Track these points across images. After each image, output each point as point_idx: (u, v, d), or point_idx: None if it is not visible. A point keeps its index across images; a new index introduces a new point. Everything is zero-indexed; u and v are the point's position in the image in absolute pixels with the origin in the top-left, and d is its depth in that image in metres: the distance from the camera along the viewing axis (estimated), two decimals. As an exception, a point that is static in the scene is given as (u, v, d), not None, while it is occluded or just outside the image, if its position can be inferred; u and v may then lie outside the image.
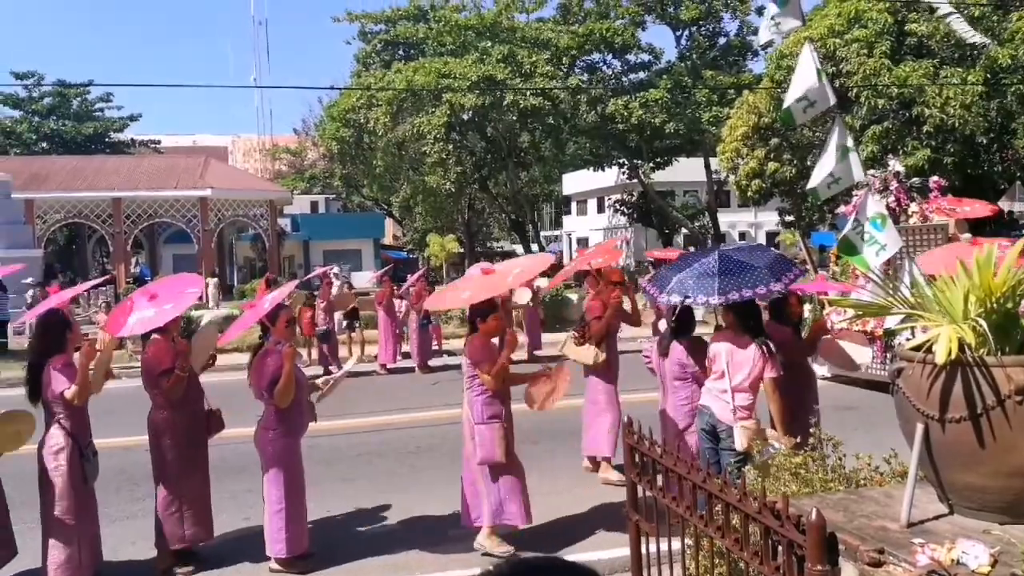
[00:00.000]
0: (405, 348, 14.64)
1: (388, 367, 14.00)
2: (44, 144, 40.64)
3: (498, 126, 30.89)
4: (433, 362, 14.29)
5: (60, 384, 4.76)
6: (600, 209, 48.30)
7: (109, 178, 30.31)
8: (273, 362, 5.06)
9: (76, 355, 4.84)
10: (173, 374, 5.13)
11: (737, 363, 4.94)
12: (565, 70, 29.81)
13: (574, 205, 52.69)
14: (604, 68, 32.06)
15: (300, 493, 5.26)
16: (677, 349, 5.72)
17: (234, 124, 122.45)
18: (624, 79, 31.72)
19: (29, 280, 17.47)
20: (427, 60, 29.51)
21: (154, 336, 5.24)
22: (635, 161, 32.80)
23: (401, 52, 33.72)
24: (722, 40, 32.23)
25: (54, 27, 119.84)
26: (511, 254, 45.68)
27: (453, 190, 31.56)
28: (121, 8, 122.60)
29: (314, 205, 48.47)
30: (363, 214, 47.84)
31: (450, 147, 29.35)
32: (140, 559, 5.48)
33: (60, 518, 4.82)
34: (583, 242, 49.92)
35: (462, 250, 39.30)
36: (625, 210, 39.62)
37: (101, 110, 43.32)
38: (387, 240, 48.90)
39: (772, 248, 6.40)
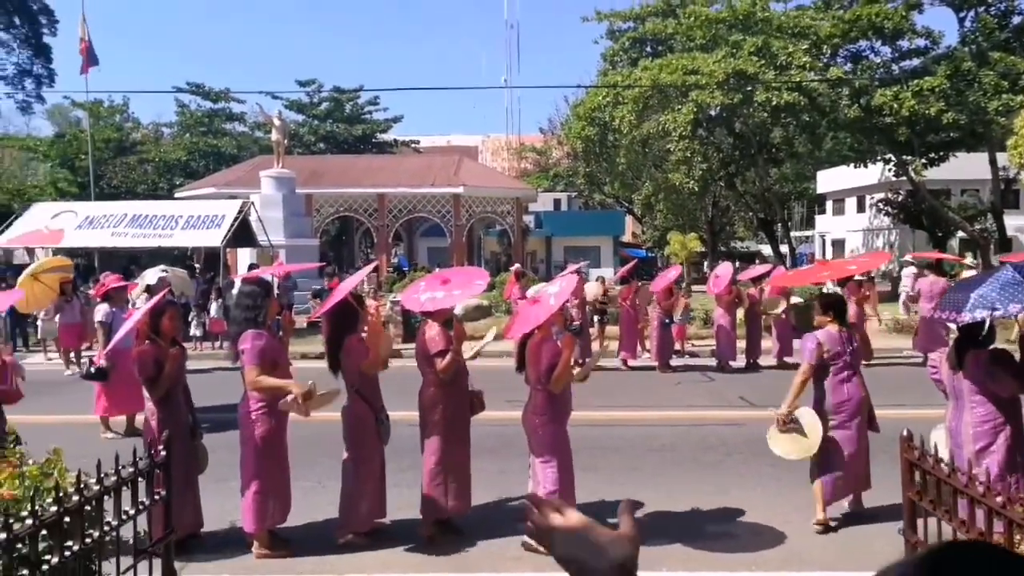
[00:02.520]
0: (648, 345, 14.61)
1: (630, 364, 13.99)
2: (321, 145, 44.90)
3: (748, 122, 29.73)
4: (674, 362, 14.09)
5: (357, 357, 5.38)
6: (860, 208, 44.83)
7: (375, 176, 32.89)
8: (549, 349, 5.30)
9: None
10: (449, 355, 5.46)
11: None
12: (826, 60, 27.99)
13: (829, 204, 49.44)
14: (871, 56, 29.69)
15: (571, 474, 5.46)
16: (975, 361, 5.04)
17: (484, 124, 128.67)
18: (894, 67, 29.20)
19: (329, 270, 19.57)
20: (674, 56, 29.01)
21: (428, 320, 5.64)
22: (904, 157, 30.08)
23: (649, 49, 33.46)
24: (1016, 19, 28.59)
25: (332, 39, 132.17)
26: (756, 254, 43.94)
27: (697, 189, 30.84)
28: (388, 18, 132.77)
29: (557, 202, 49.57)
30: (604, 211, 48.21)
31: (695, 144, 28.69)
32: (406, 520, 5.89)
33: (360, 475, 5.48)
34: (838, 244, 46.78)
35: (703, 249, 38.37)
36: (890, 210, 36.39)
37: (369, 113, 47.06)
38: (626, 238, 48.88)
39: None
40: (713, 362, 13.97)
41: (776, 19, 28.50)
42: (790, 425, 5.80)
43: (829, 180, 44.02)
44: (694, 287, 24.88)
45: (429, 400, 5.63)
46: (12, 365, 6.00)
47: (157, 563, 3.03)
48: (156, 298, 5.80)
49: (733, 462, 7.77)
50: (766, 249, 42.94)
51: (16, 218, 20.16)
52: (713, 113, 28.64)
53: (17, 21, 35.37)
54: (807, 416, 5.79)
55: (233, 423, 6.65)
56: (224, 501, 5.98)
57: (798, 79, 25.94)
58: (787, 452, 5.83)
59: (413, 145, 48.92)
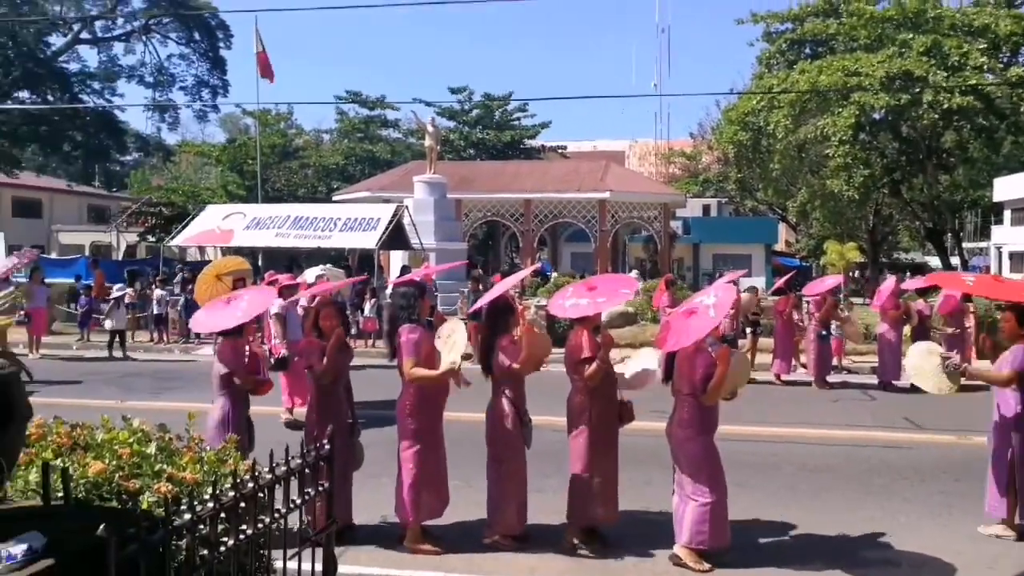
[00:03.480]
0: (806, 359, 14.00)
1: (783, 378, 13.44)
2: (471, 151, 45.91)
3: (916, 125, 27.98)
4: (832, 378, 13.39)
5: (508, 359, 5.42)
6: (1044, 219, 41.00)
7: (522, 181, 33.23)
8: (704, 360, 5.16)
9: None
10: (595, 363, 5.41)
11: None
12: (1005, 60, 25.97)
13: (1007, 214, 45.37)
14: (1058, 53, 27.29)
15: (724, 488, 5.30)
16: None
17: (632, 129, 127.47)
18: (1086, 66, 26.68)
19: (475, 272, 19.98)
20: (835, 58, 27.73)
21: (577, 326, 5.62)
22: (1096, 163, 27.46)
23: (808, 50, 32.17)
24: None
25: (483, 45, 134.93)
26: (923, 267, 41.27)
27: (857, 196, 29.32)
28: (538, 24, 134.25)
29: (706, 208, 48.42)
30: (755, 218, 46.62)
31: (857, 150, 27.28)
32: (551, 525, 5.88)
33: (503, 475, 5.55)
34: (1017, 257, 43.07)
35: (863, 259, 36.45)
36: (1077, 221, 33.17)
37: (518, 119, 47.68)
38: (779, 246, 47.10)
39: None
40: (874, 380, 13.21)
41: (949, 17, 26.74)
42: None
43: (1008, 187, 40.48)
44: (852, 299, 23.62)
45: (577, 407, 5.60)
46: (262, 357, 6.41)
47: (319, 552, 3.15)
48: (318, 287, 6.03)
49: (898, 487, 7.31)
50: (934, 261, 40.31)
51: (192, 219, 21.75)
52: (877, 116, 27.18)
53: (197, 36, 38.23)
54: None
55: (384, 420, 6.88)
56: (375, 495, 6.15)
57: (973, 81, 24.20)
58: (933, 384, 6.22)
59: (560, 151, 49.14)
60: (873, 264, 37.77)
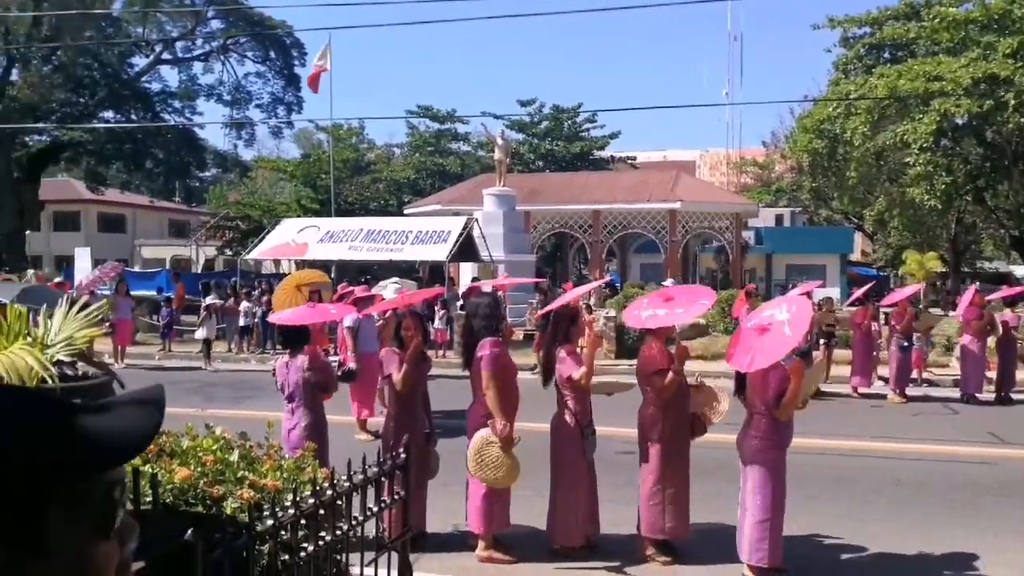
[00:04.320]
0: (883, 372, 13.59)
1: (860, 391, 13.07)
2: (540, 163, 45.98)
3: (1001, 130, 26.92)
4: (911, 391, 12.96)
5: (569, 369, 5.40)
6: None
7: (591, 192, 33.15)
8: (777, 375, 5.06)
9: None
10: (669, 375, 5.36)
11: None
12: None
13: (1098, 221, 43.56)
14: None
15: (783, 505, 5.20)
16: None
17: (702, 138, 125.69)
18: None
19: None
20: (915, 62, 26.91)
21: (650, 338, 5.59)
22: None
23: (887, 55, 31.31)
24: None
25: (552, 55, 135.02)
26: (1006, 276, 39.67)
27: (939, 205, 28.33)
28: (607, 34, 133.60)
29: (779, 218, 47.47)
30: (830, 228, 45.49)
31: (939, 157, 26.38)
32: (621, 536, 5.84)
33: (565, 488, 5.51)
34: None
35: (944, 269, 35.23)
36: None
37: (587, 130, 47.57)
38: (855, 256, 45.82)
39: None
40: (956, 393, 12.74)
41: (1038, 16, 25.68)
42: None
43: (1100, 193, 38.73)
44: (932, 310, 22.83)
45: (649, 419, 5.56)
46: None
47: (394, 559, 3.20)
48: (399, 299, 6.16)
49: (983, 503, 7.06)
50: (1019, 270, 38.70)
51: (268, 232, 22.34)
52: (960, 122, 26.23)
53: (272, 54, 39.35)
54: None
55: (453, 429, 6.94)
56: (448, 503, 6.19)
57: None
58: None
59: (629, 161, 48.85)
60: (955, 274, 36.48)
